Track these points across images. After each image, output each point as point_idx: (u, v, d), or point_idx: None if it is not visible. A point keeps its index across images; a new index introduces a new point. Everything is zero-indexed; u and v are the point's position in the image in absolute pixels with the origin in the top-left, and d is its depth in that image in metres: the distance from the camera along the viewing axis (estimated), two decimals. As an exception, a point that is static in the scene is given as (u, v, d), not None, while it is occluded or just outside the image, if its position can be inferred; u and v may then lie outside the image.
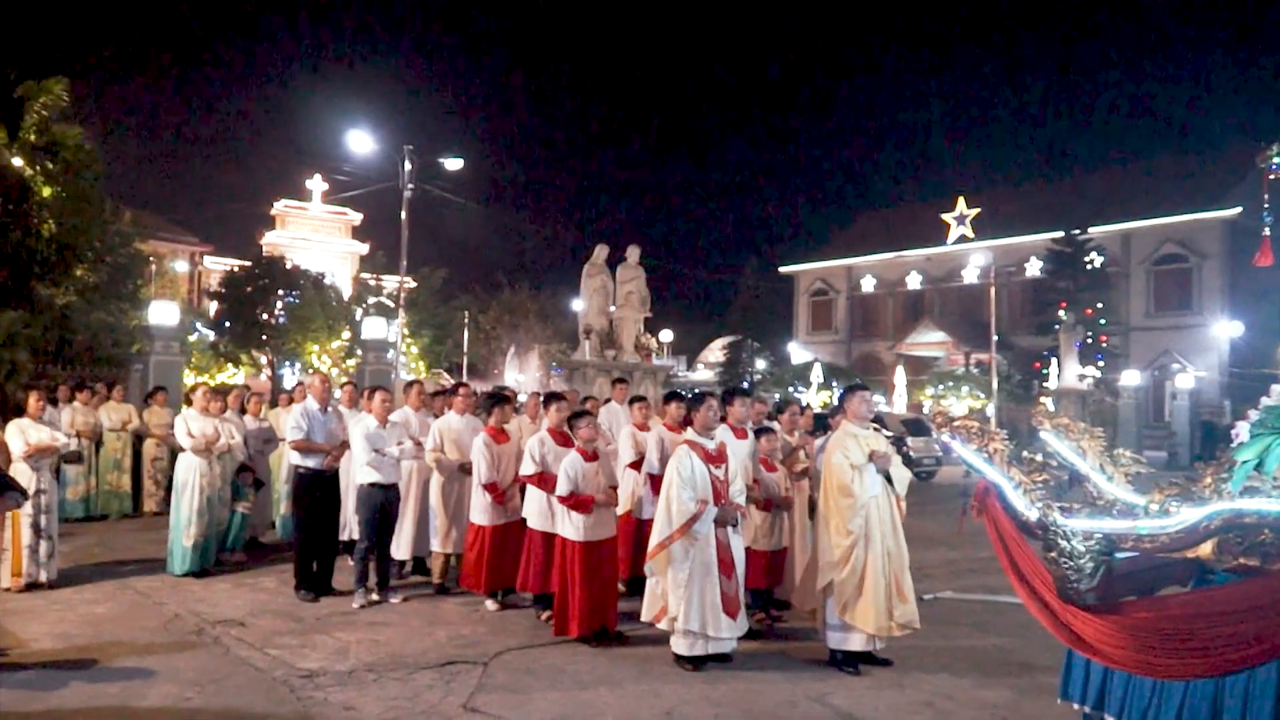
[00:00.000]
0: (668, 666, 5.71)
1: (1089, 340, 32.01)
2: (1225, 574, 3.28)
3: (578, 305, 17.41)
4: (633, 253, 16.01)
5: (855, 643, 5.66)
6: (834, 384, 34.54)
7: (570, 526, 6.15)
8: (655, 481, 6.71)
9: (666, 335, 43.46)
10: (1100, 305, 34.35)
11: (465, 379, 28.81)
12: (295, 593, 7.38)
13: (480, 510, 7.14)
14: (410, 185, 21.87)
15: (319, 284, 29.95)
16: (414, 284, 31.76)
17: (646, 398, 8.44)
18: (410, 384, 8.77)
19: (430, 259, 35.42)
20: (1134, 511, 3.30)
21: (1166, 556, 3.39)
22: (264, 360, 29.15)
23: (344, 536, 8.22)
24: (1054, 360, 29.74)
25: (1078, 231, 35.01)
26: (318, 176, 44.93)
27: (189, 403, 8.92)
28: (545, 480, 6.49)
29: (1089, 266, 34.85)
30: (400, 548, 7.91)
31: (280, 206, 45.75)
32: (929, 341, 41.88)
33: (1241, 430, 3.27)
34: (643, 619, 5.99)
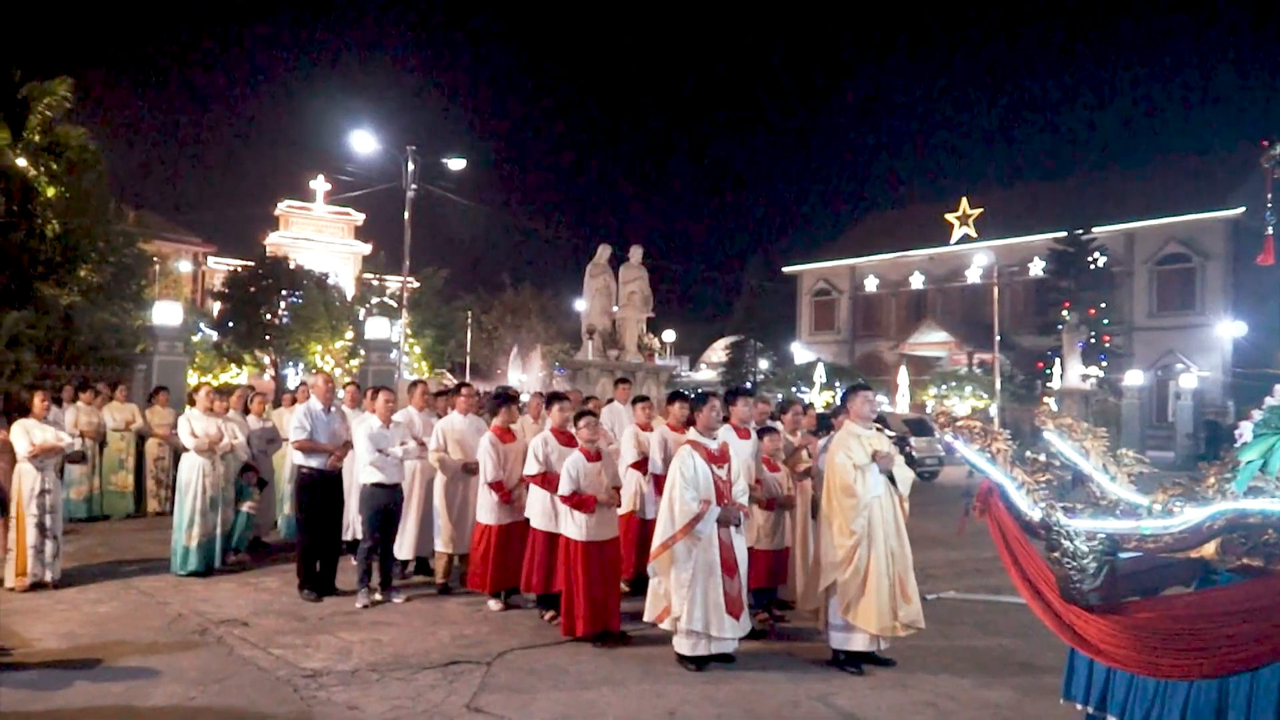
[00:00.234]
0: (670, 666, 5.71)
1: (1092, 340, 31.94)
2: (1229, 574, 3.27)
3: (580, 305, 17.44)
4: (635, 252, 16.01)
5: (858, 643, 5.65)
6: (837, 384, 34.50)
7: (574, 526, 6.15)
8: (659, 481, 6.72)
9: (669, 335, 43.52)
10: (1103, 305, 34.30)
11: (468, 379, 28.80)
12: (298, 592, 7.39)
13: (487, 509, 7.15)
14: (413, 185, 21.88)
15: (322, 284, 29.97)
16: (417, 284, 31.79)
17: (649, 398, 8.44)
18: (414, 384, 8.77)
19: (433, 259, 35.55)
20: (1137, 512, 3.29)
21: (1170, 557, 3.39)
22: (267, 360, 29.19)
23: (347, 536, 8.23)
24: (1057, 360, 29.69)
25: (1081, 231, 34.96)
26: (321, 177, 45.00)
27: (192, 403, 8.93)
28: (549, 480, 6.49)
29: (1092, 266, 34.81)
30: (403, 548, 7.92)
31: (283, 207, 45.78)
32: (932, 341, 41.85)
33: (1245, 430, 3.26)
34: (645, 619, 5.99)
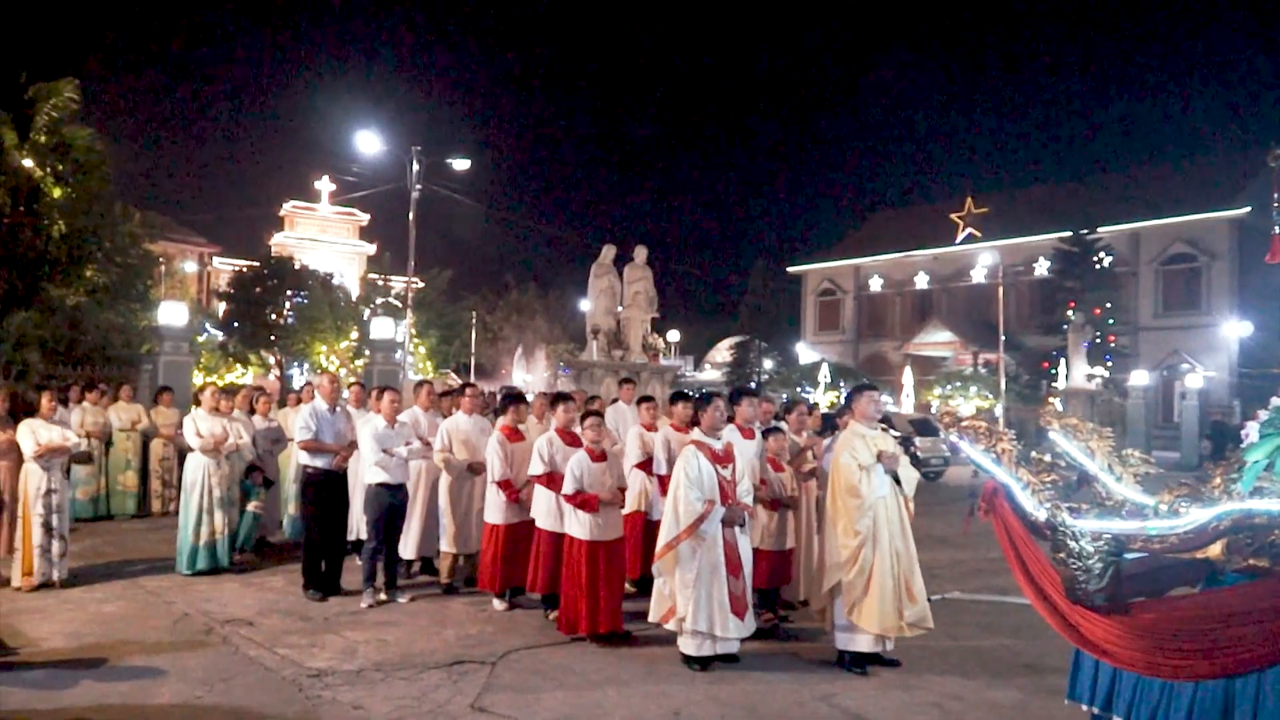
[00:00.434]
0: (675, 666, 5.71)
1: (1097, 340, 31.85)
2: (1235, 575, 3.26)
3: (585, 305, 17.43)
4: (640, 253, 16.02)
5: (863, 643, 5.64)
6: (841, 384, 34.46)
7: (578, 526, 6.15)
8: (664, 482, 6.72)
9: (674, 335, 43.58)
10: (1109, 305, 34.18)
11: (473, 379, 28.84)
12: (303, 592, 7.40)
13: (495, 508, 7.16)
14: (418, 186, 21.91)
15: (327, 284, 30.07)
16: (421, 284, 31.87)
17: (654, 398, 8.44)
18: (419, 384, 8.78)
19: (438, 259, 35.67)
20: (1143, 512, 3.28)
21: (1176, 557, 3.38)
22: (272, 360, 29.26)
23: (352, 536, 8.24)
24: (1062, 360, 29.61)
25: (1086, 231, 34.89)
26: (326, 177, 45.10)
27: (198, 403, 8.95)
28: (554, 480, 6.50)
29: (1097, 266, 34.70)
30: (408, 548, 7.93)
31: (289, 207, 45.90)
32: (937, 341, 41.80)
33: (1251, 430, 3.26)
34: (650, 619, 5.98)
